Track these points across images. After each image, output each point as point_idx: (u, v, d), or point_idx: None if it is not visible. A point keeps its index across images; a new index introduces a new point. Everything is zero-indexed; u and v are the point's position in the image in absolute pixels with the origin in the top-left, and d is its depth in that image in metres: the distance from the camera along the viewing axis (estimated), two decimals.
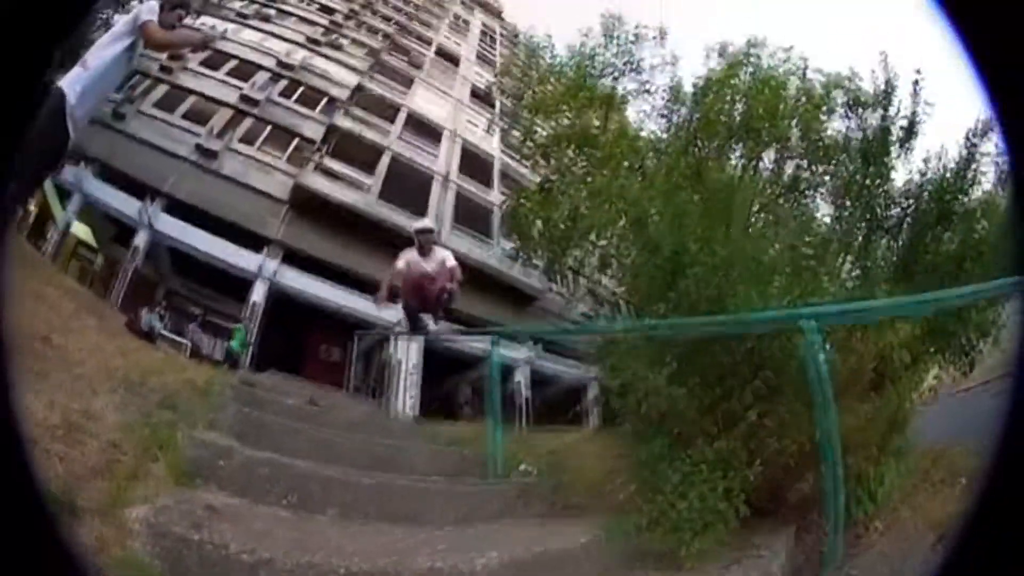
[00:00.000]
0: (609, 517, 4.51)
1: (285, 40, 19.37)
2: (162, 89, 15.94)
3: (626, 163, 9.75)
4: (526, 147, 12.26)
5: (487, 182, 18.14)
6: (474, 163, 18.48)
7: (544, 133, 11.50)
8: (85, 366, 4.41)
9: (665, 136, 10.52)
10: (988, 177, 9.53)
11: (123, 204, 12.98)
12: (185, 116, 15.56)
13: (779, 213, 9.57)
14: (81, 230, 13.80)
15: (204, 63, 16.90)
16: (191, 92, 16.23)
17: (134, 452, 3.28)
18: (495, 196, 17.32)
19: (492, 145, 18.55)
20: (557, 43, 12.22)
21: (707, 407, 4.94)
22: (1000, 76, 1.04)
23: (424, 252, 8.24)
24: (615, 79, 11.07)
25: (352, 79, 18.87)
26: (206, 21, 17.69)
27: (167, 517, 2.81)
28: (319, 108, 17.49)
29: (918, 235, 8.94)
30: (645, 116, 11.02)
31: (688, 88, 10.85)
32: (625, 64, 11.10)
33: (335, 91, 18.19)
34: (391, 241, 12.87)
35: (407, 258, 8.30)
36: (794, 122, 10.18)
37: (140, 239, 12.80)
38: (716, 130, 9.92)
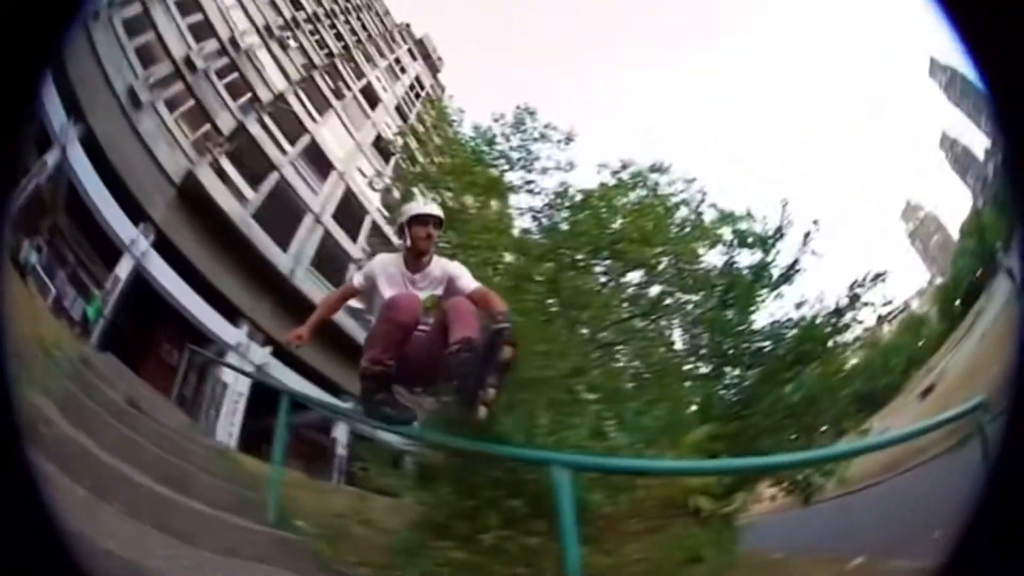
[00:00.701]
0: None
1: (248, 17, 20.22)
2: (135, 8, 16.27)
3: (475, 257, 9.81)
4: (397, 212, 12.41)
5: (354, 233, 19.05)
6: (348, 211, 19.43)
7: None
8: None
9: (535, 238, 10.96)
10: (863, 325, 10.77)
11: (54, 111, 12.54)
12: (137, 50, 15.81)
13: (626, 335, 10.30)
14: None
15: (179, 3, 17.48)
16: (154, 28, 16.57)
17: None
18: (357, 250, 18.17)
19: (370, 198, 19.37)
20: (467, 119, 12.85)
21: (456, 516, 5.63)
22: (998, 70, 1.22)
23: (418, 261, 5.11)
24: (503, 171, 11.52)
25: (281, 85, 19.83)
26: None
27: None
28: (239, 101, 18.21)
29: (766, 378, 9.63)
30: (520, 214, 11.56)
31: (572, 196, 11.19)
32: (519, 159, 11.58)
33: (261, 91, 19.03)
34: (257, 266, 13.76)
35: (378, 269, 5.15)
36: (665, 250, 10.59)
37: (52, 156, 12.57)
38: (582, 243, 10.34)
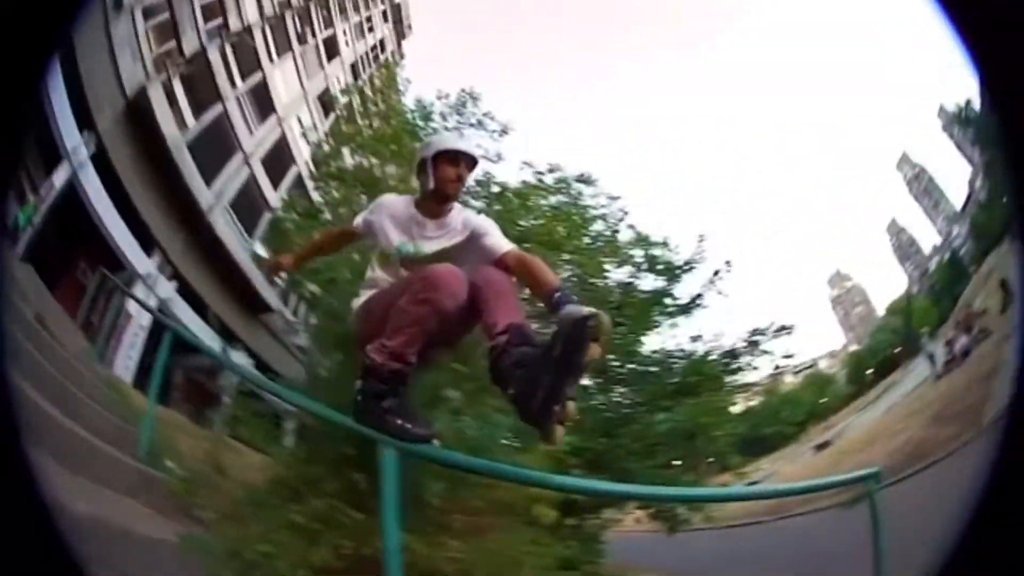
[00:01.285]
0: (192, 530, 5.37)
1: None
2: None
3: None
4: (324, 168, 12.73)
5: (276, 182, 19.79)
6: (278, 158, 20.16)
7: (348, 164, 11.98)
8: None
9: None
10: (760, 372, 11.43)
11: None
12: None
13: None
14: None
15: None
16: None
17: None
18: (276, 198, 18.78)
19: (300, 150, 19.97)
20: (415, 90, 13.41)
21: (303, 480, 6.07)
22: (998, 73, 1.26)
23: (438, 207, 4.16)
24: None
25: (254, 17, 20.35)
26: None
27: None
28: (208, 25, 18.63)
29: (645, 402, 10.12)
30: None
31: (489, 186, 11.42)
32: None
33: (232, 19, 19.52)
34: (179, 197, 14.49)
35: (384, 210, 4.24)
36: (572, 259, 10.87)
37: None
38: None
